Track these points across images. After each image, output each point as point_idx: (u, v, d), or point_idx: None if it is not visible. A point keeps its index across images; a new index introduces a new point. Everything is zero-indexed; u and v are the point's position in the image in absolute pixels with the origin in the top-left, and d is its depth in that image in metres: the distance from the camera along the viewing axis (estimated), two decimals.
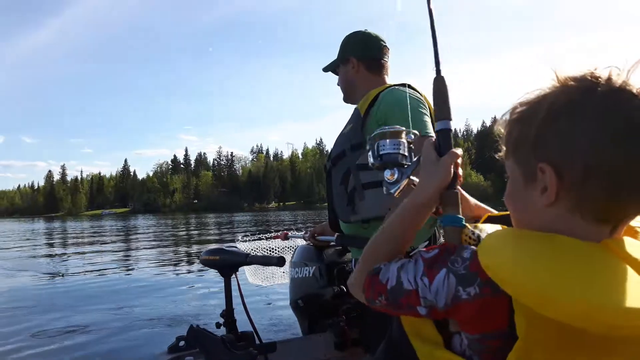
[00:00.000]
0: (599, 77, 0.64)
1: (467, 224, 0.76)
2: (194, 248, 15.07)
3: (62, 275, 9.09)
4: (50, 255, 13.97)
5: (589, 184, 0.63)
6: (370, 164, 0.90)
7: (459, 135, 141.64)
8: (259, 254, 2.41)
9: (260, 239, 2.64)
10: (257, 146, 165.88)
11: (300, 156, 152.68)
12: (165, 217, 63.41)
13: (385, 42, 1.91)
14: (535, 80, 0.71)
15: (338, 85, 2.00)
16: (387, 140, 0.87)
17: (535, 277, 0.59)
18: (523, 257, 0.63)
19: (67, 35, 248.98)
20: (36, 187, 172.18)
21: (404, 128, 0.88)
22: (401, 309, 0.72)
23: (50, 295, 6.98)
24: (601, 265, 0.61)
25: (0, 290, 7.48)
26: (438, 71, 0.84)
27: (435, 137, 0.82)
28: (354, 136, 1.74)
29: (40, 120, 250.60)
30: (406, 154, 0.87)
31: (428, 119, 1.64)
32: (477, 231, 0.75)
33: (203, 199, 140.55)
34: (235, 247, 2.17)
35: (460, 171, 0.80)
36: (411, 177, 0.86)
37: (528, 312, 0.60)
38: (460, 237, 0.75)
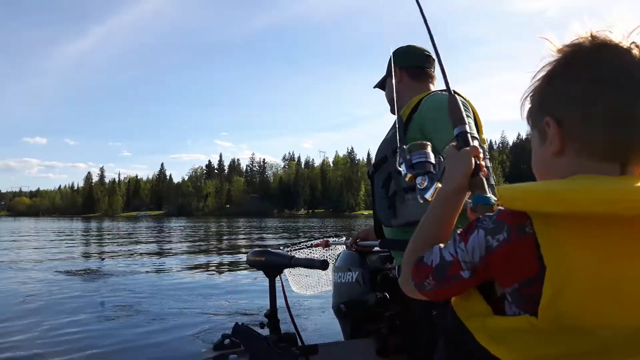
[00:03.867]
0: (592, 36, 0.71)
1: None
2: (231, 250, 15.30)
3: (103, 274, 9.35)
4: (88, 255, 14.42)
5: (588, 128, 0.69)
6: (403, 175, 0.99)
7: (494, 147, 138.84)
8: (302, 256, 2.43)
9: (301, 248, 2.67)
10: (289, 153, 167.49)
11: (331, 164, 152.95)
12: (198, 221, 64.54)
13: (429, 52, 1.91)
14: None
15: (386, 98, 2.02)
16: (415, 152, 0.97)
17: (551, 187, 0.67)
18: (539, 183, 0.72)
19: (110, 43, 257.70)
20: (76, 187, 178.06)
21: (429, 142, 0.98)
22: (448, 282, 0.75)
23: (95, 292, 7.19)
24: (617, 180, 0.68)
25: (51, 286, 7.75)
26: (449, 91, 1.00)
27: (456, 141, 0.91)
28: (396, 141, 1.74)
29: (83, 123, 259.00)
30: (433, 162, 0.96)
31: (471, 121, 1.62)
32: None
33: (234, 204, 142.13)
34: (280, 249, 2.21)
35: (483, 163, 0.87)
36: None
37: (548, 219, 0.65)
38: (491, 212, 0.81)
